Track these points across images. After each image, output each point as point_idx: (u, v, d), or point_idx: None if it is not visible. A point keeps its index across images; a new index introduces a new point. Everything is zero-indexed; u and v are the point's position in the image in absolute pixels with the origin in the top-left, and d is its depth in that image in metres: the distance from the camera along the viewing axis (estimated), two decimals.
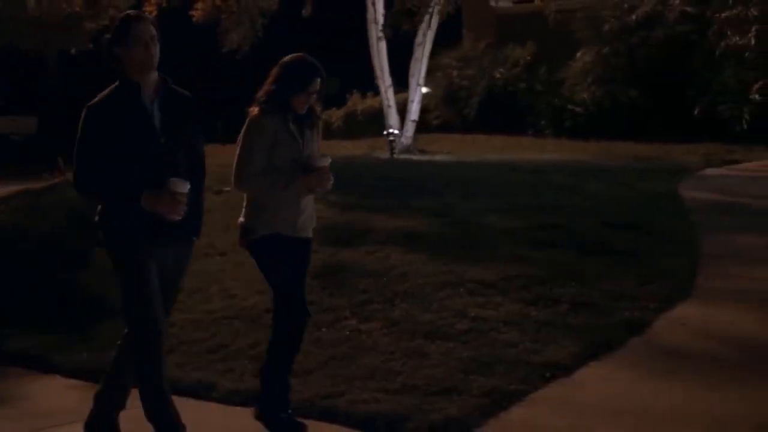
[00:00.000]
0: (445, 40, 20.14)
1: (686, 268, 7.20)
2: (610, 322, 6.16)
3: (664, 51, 16.41)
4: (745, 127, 14.83)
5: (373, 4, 13.92)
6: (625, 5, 16.84)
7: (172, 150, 4.39)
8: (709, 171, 12.06)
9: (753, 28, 14.92)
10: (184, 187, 4.30)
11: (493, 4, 19.60)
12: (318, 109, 4.98)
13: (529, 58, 18.49)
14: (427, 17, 13.94)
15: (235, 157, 4.81)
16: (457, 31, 20.90)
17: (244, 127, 4.84)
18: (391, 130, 13.10)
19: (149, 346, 4.47)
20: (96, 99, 4.40)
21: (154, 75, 4.41)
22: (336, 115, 21.81)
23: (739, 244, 8.06)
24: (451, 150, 15.72)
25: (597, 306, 6.44)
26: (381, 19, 13.61)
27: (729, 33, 15.28)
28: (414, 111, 15.37)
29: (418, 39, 14.40)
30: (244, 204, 4.95)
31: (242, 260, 7.59)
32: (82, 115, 4.37)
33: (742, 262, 7.48)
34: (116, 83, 4.41)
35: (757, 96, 14.86)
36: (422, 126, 18.89)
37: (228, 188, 10.88)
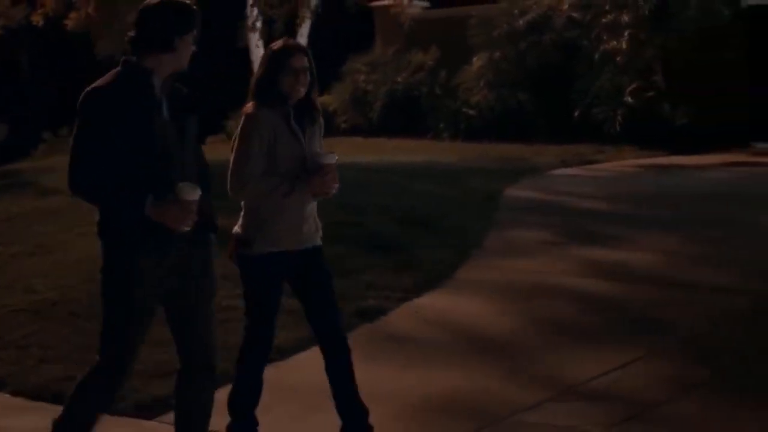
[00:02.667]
0: (362, 45, 20.71)
1: (452, 261, 7.72)
2: (349, 311, 6.65)
3: (551, 56, 16.95)
4: (618, 129, 15.40)
5: (251, 11, 14.42)
6: (515, 11, 17.39)
7: (179, 145, 3.94)
8: (559, 171, 12.60)
9: (626, 33, 15.56)
10: (195, 194, 3.78)
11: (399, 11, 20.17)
12: (316, 100, 4.58)
13: (431, 63, 19.01)
14: (304, 25, 14.53)
15: (231, 161, 4.40)
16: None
17: (240, 125, 4.46)
18: None
19: (107, 380, 4.16)
20: (98, 83, 3.89)
21: None
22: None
23: (522, 239, 8.59)
24: (341, 153, 16.23)
25: (346, 296, 6.88)
26: (259, 26, 14.14)
27: (605, 38, 15.92)
28: None
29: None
30: (242, 213, 4.52)
31: (60, 259, 8.18)
32: (82, 101, 3.86)
33: (513, 256, 7.99)
34: (119, 69, 3.93)
35: (629, 99, 15.46)
36: (331, 129, 19.43)
37: None
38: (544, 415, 4.90)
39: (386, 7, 20.38)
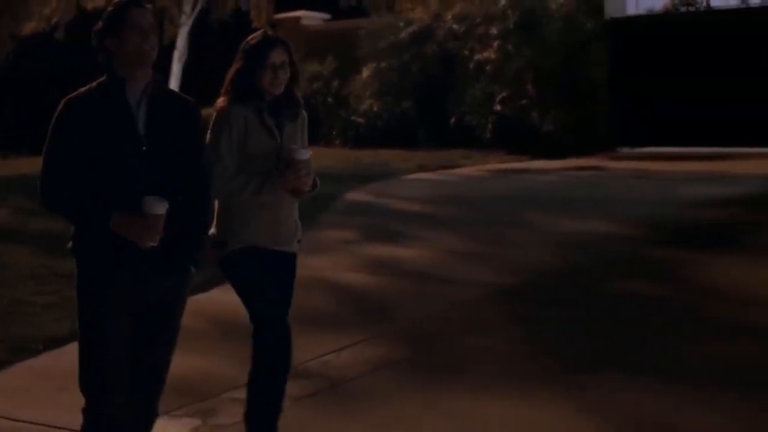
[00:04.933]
0: None
1: None
2: None
3: (432, 66, 17.78)
4: (489, 135, 16.22)
5: None
6: (401, 23, 18.18)
7: (156, 160, 3.63)
8: (413, 176, 13.36)
9: (495, 44, 16.36)
10: (161, 208, 3.53)
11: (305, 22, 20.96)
12: (298, 94, 4.31)
13: (327, 73, 19.76)
14: (180, 37, 15.26)
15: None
16: None
17: (212, 122, 4.19)
18: None
19: (92, 411, 3.76)
20: (76, 92, 3.67)
21: (147, 72, 3.67)
22: None
23: (328, 238, 9.27)
24: None
25: None
26: None
27: (477, 49, 16.73)
28: None
29: (175, 56, 15.61)
30: (215, 213, 4.27)
31: None
32: (57, 110, 3.65)
33: (309, 254, 8.42)
34: (101, 78, 3.69)
35: (498, 107, 16.27)
36: None
37: None
38: None
39: (288, 20, 21.17)
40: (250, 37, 4.28)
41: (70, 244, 3.72)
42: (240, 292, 4.28)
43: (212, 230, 4.24)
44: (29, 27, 15.01)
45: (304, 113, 4.36)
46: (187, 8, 15.39)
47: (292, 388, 5.51)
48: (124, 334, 3.69)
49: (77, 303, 3.71)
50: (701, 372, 5.39)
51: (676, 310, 6.70)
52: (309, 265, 8.25)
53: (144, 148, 3.61)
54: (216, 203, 4.23)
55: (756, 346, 5.83)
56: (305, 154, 4.09)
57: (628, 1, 17.23)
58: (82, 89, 3.68)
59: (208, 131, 4.15)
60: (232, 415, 5.15)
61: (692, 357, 5.67)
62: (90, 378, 3.72)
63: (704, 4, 16.98)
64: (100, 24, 3.71)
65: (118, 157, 3.59)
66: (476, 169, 14.23)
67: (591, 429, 4.71)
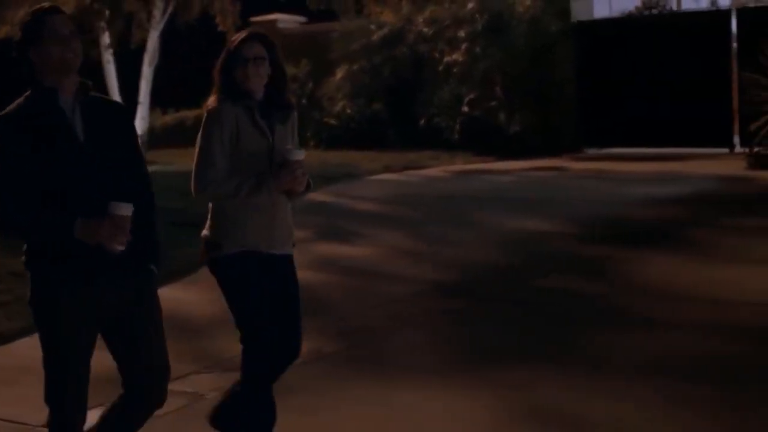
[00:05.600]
0: None
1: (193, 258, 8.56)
2: None
3: (403, 68, 17.99)
4: (457, 136, 16.42)
5: (104, 30, 15.29)
6: (372, 26, 18.38)
7: (101, 164, 3.58)
8: (378, 176, 13.56)
9: (463, 46, 16.55)
10: (127, 209, 3.49)
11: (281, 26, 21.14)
12: (289, 96, 4.26)
13: (302, 75, 19.95)
14: (150, 39, 15.45)
15: (194, 160, 4.07)
16: None
17: (203, 123, 4.12)
18: None
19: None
20: (5, 111, 3.58)
21: (74, 78, 3.60)
22: None
23: None
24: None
25: None
26: (108, 42, 14.98)
27: (447, 51, 16.93)
28: (139, 126, 16.78)
29: (146, 59, 15.78)
30: (209, 214, 4.21)
31: None
32: None
33: None
34: (27, 92, 3.59)
35: (466, 108, 16.46)
36: None
37: None
38: (184, 384, 5.67)
39: (265, 23, 21.35)
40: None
41: (24, 258, 3.62)
42: (228, 297, 4.19)
43: (206, 232, 4.20)
44: (2, 32, 15.25)
45: (295, 115, 4.33)
46: (156, 12, 15.58)
47: (218, 380, 5.68)
48: (89, 342, 3.67)
49: (35, 317, 3.62)
50: (626, 365, 5.49)
51: (611, 306, 6.85)
52: None
53: (87, 153, 3.56)
54: (210, 205, 4.19)
55: (685, 339, 5.97)
56: (300, 154, 4.05)
57: (595, 4, 17.44)
58: (10, 107, 3.59)
59: (199, 133, 4.09)
60: (165, 406, 5.32)
61: (619, 351, 5.79)
62: (56, 389, 3.68)
63: (668, 7, 17.17)
64: (19, 35, 3.61)
65: (63, 167, 3.52)
66: (441, 170, 14.41)
67: (505, 418, 4.84)
